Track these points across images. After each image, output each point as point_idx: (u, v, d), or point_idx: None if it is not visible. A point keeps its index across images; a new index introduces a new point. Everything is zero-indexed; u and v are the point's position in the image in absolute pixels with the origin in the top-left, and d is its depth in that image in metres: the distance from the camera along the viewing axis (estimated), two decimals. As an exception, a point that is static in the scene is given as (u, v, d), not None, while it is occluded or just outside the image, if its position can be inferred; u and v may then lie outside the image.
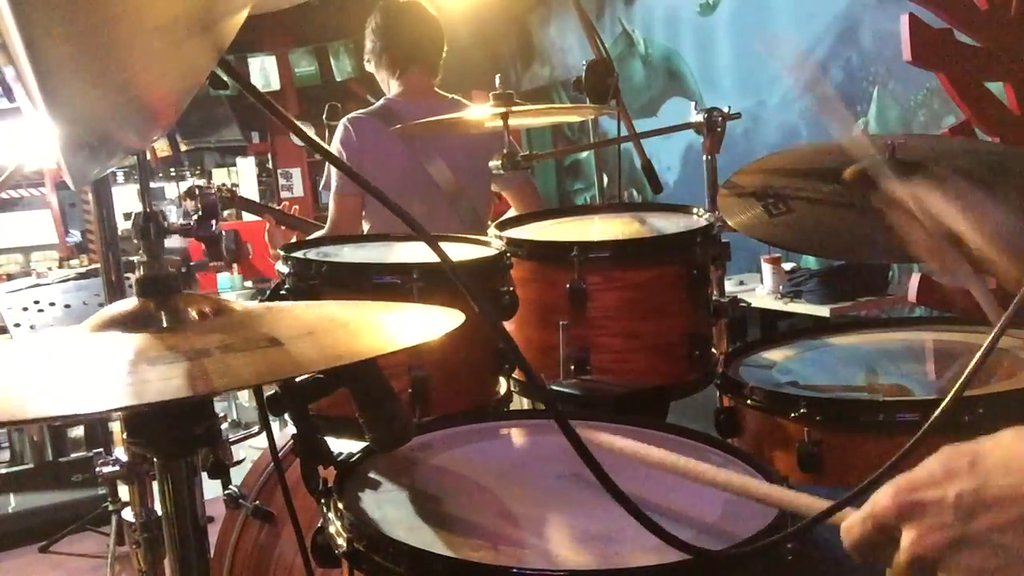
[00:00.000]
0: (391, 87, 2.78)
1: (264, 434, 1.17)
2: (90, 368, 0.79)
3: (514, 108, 1.79)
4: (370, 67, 2.85)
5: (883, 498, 0.69)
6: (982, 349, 0.76)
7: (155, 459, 0.92)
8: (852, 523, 0.71)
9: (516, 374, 1.61)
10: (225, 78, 0.75)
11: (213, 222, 1.05)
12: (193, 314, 0.87)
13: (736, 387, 1.43)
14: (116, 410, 0.76)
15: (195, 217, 1.06)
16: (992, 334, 0.75)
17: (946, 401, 0.78)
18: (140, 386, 0.73)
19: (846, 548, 0.72)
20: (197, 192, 2.90)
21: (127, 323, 0.85)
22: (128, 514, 1.56)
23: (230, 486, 1.62)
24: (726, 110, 1.97)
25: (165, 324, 0.85)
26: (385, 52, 2.78)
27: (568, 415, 1.33)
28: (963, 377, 0.76)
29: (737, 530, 0.89)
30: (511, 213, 2.77)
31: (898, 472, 0.70)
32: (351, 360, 0.80)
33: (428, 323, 0.93)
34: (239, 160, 8.30)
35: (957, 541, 0.65)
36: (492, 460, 1.13)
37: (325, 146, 0.83)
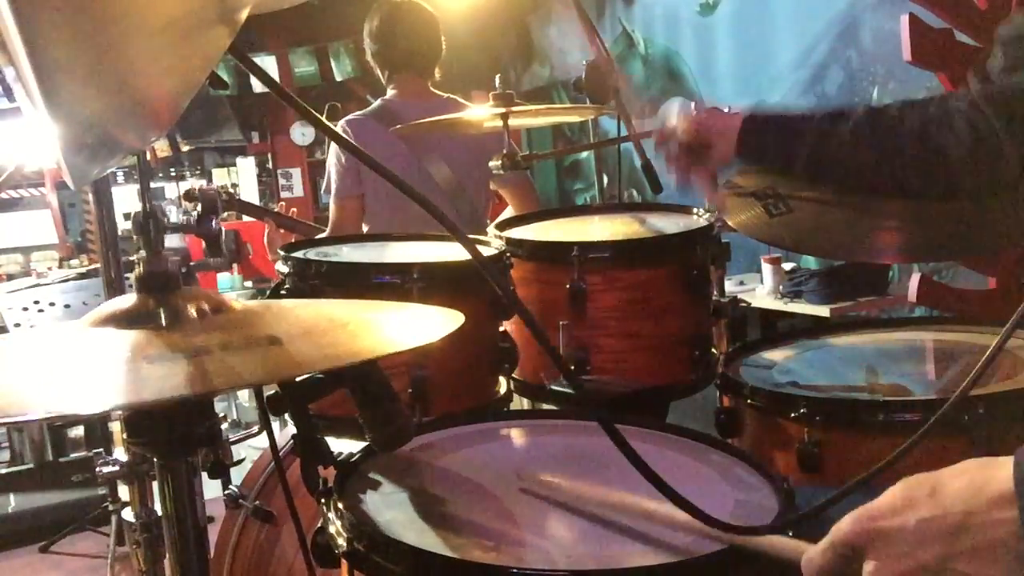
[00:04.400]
0: (387, 88, 2.79)
1: (264, 434, 1.18)
2: (88, 365, 0.79)
3: (514, 108, 1.79)
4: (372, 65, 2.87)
5: (844, 527, 0.69)
6: (988, 352, 0.75)
7: (155, 459, 0.92)
8: (813, 553, 0.72)
9: (516, 374, 1.61)
10: (226, 78, 0.75)
11: (213, 219, 1.05)
12: (193, 312, 0.86)
13: (736, 387, 1.43)
14: (114, 409, 0.76)
15: (195, 214, 1.05)
16: (999, 337, 0.74)
17: (950, 401, 0.78)
18: (138, 384, 0.73)
19: None
20: (197, 195, 2.91)
21: (126, 320, 0.85)
22: (128, 514, 1.56)
23: (230, 486, 1.62)
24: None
25: (164, 321, 0.85)
26: (380, 55, 2.79)
27: (565, 414, 1.34)
28: (969, 378, 0.76)
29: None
30: (508, 212, 2.78)
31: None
32: (351, 361, 0.80)
33: (428, 324, 0.93)
34: (239, 160, 8.30)
35: (917, 569, 0.65)
36: (492, 460, 1.13)
37: (345, 136, 0.83)
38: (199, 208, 1.05)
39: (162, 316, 0.85)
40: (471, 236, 1.76)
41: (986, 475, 0.65)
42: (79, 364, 0.80)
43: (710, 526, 0.81)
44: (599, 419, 0.81)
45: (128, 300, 0.87)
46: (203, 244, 1.08)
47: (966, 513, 0.64)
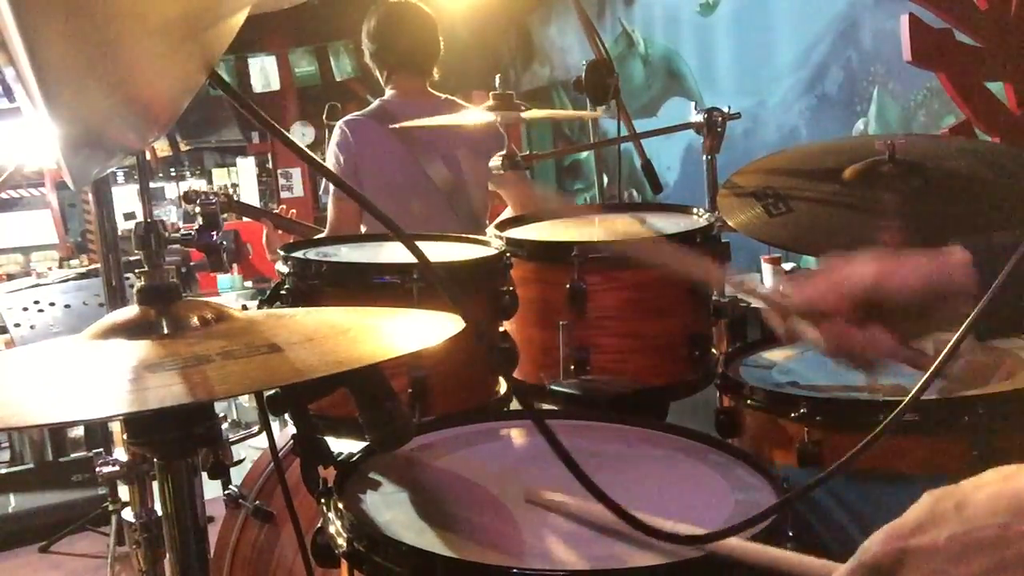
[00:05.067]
0: (386, 88, 2.79)
1: (264, 434, 1.18)
2: (92, 375, 0.80)
3: (513, 111, 1.79)
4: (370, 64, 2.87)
5: (873, 547, 0.68)
6: (952, 341, 0.73)
7: (155, 459, 0.92)
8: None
9: (516, 374, 1.61)
10: (226, 78, 0.75)
11: (214, 232, 1.06)
12: (194, 321, 0.87)
13: (736, 387, 1.43)
14: (117, 416, 0.76)
15: (196, 226, 1.06)
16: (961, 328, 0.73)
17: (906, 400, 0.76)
18: (141, 393, 0.73)
19: None
20: (195, 197, 2.91)
21: (128, 330, 0.86)
22: (128, 514, 1.56)
23: (230, 486, 1.62)
24: (726, 110, 1.98)
25: (166, 331, 0.86)
26: (378, 55, 2.79)
27: (568, 414, 1.34)
28: (928, 372, 0.75)
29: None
30: (508, 212, 2.78)
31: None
32: (351, 367, 0.80)
33: (428, 328, 0.93)
34: (239, 160, 8.30)
35: None
36: (492, 460, 1.13)
37: (307, 151, 0.83)
38: (200, 216, 1.06)
39: (164, 326, 0.86)
40: (471, 236, 1.77)
41: (1014, 485, 0.64)
42: (82, 374, 0.81)
43: (646, 534, 0.80)
44: (534, 419, 0.81)
45: (130, 311, 0.89)
46: (205, 256, 1.08)
47: (1003, 526, 0.63)
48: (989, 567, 0.63)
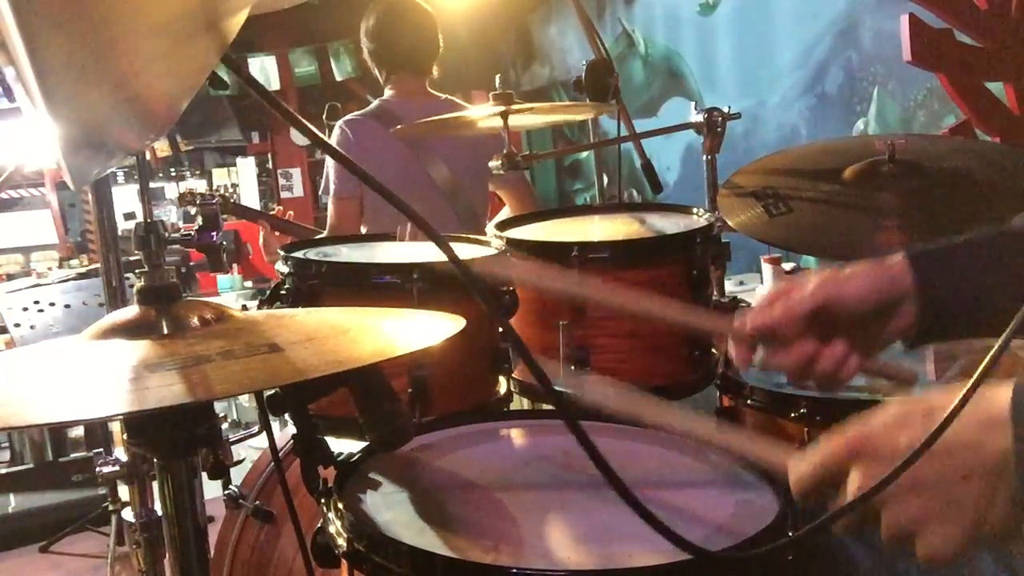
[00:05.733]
0: (385, 88, 2.79)
1: (264, 434, 1.18)
2: (92, 375, 0.80)
3: (514, 108, 1.79)
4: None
5: (835, 439, 0.70)
6: (988, 356, 0.74)
7: (155, 459, 0.92)
8: (800, 463, 0.72)
9: (516, 374, 1.61)
10: (226, 78, 0.75)
11: (214, 233, 1.06)
12: (194, 321, 0.88)
13: (736, 387, 1.43)
14: (117, 416, 0.77)
15: (196, 226, 1.06)
16: (1000, 340, 0.74)
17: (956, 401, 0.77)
18: (141, 393, 0.73)
19: (791, 485, 0.72)
20: (190, 199, 2.91)
21: (128, 330, 0.86)
22: (128, 514, 1.56)
23: (230, 486, 1.62)
24: (726, 110, 1.97)
25: (166, 331, 0.86)
26: (376, 54, 2.78)
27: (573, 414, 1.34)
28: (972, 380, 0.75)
29: (747, 530, 0.89)
30: (505, 212, 2.78)
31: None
32: (351, 367, 0.80)
33: (428, 328, 0.93)
34: (239, 160, 8.30)
35: (904, 484, 0.66)
36: (492, 460, 1.13)
37: (327, 141, 0.83)
38: (200, 216, 1.06)
39: (164, 326, 0.86)
40: (471, 236, 1.77)
41: (982, 399, 0.65)
42: (82, 374, 0.81)
43: (678, 545, 0.80)
44: (566, 419, 0.81)
45: (130, 311, 0.89)
46: (205, 256, 1.08)
47: (959, 435, 0.64)
48: (940, 473, 0.65)
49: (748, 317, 0.98)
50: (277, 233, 3.00)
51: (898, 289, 0.94)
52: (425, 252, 1.64)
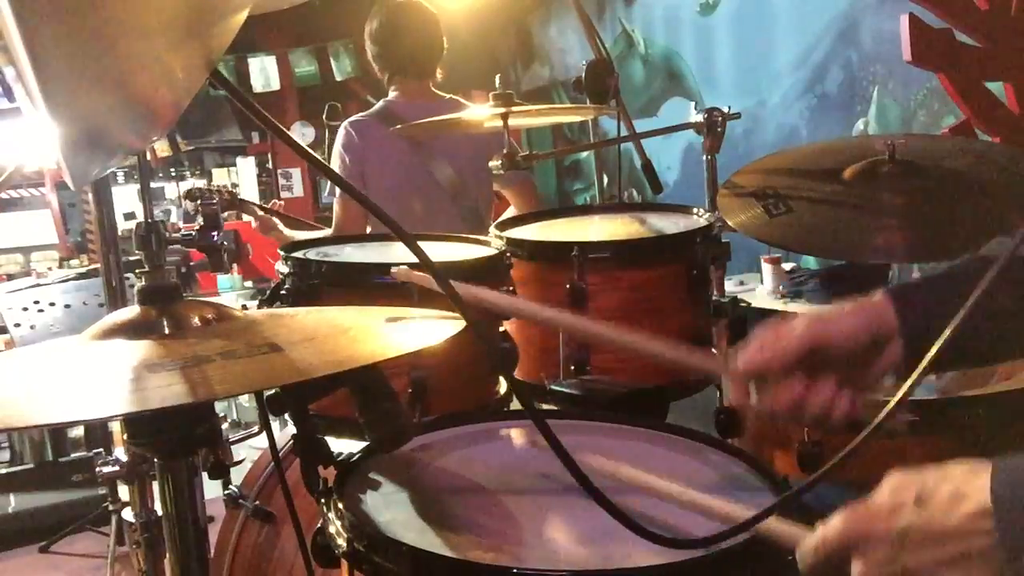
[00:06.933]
0: (389, 89, 2.79)
1: (264, 434, 1.18)
2: (92, 375, 0.80)
3: (514, 108, 1.79)
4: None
5: (834, 527, 0.73)
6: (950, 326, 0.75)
7: (155, 459, 0.92)
8: (807, 550, 0.75)
9: (516, 374, 1.61)
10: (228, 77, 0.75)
11: (215, 233, 1.06)
12: (195, 321, 0.88)
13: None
14: (118, 416, 0.77)
15: (196, 226, 1.06)
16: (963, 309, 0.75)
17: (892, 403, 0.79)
18: (141, 393, 0.73)
19: (801, 571, 0.75)
20: (198, 195, 2.92)
21: (129, 331, 0.86)
22: (128, 514, 1.56)
23: (230, 486, 1.62)
24: (726, 110, 1.97)
25: (167, 331, 0.86)
26: (380, 57, 2.78)
27: (565, 414, 1.34)
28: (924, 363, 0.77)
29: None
30: (510, 212, 2.78)
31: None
32: (351, 367, 0.80)
33: (428, 328, 0.93)
34: (239, 160, 8.29)
35: (900, 575, 0.69)
36: (492, 460, 1.13)
37: (311, 152, 0.83)
38: (201, 215, 1.06)
39: (164, 326, 0.86)
40: (471, 236, 1.77)
41: (968, 485, 0.68)
42: (83, 374, 0.81)
43: (642, 536, 0.83)
44: (536, 420, 0.83)
45: (131, 311, 0.89)
46: (205, 256, 1.08)
47: (947, 523, 0.67)
48: (935, 560, 0.67)
49: (739, 359, 0.98)
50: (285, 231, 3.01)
51: (884, 325, 0.94)
52: (427, 253, 1.64)
